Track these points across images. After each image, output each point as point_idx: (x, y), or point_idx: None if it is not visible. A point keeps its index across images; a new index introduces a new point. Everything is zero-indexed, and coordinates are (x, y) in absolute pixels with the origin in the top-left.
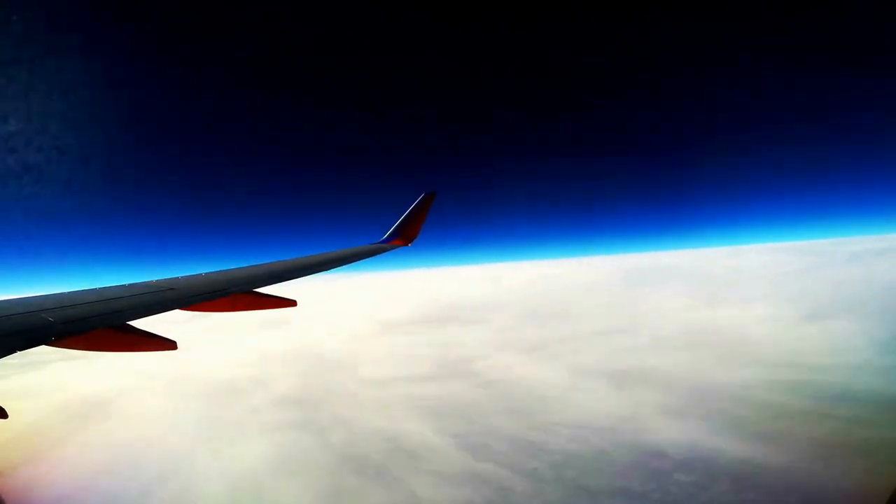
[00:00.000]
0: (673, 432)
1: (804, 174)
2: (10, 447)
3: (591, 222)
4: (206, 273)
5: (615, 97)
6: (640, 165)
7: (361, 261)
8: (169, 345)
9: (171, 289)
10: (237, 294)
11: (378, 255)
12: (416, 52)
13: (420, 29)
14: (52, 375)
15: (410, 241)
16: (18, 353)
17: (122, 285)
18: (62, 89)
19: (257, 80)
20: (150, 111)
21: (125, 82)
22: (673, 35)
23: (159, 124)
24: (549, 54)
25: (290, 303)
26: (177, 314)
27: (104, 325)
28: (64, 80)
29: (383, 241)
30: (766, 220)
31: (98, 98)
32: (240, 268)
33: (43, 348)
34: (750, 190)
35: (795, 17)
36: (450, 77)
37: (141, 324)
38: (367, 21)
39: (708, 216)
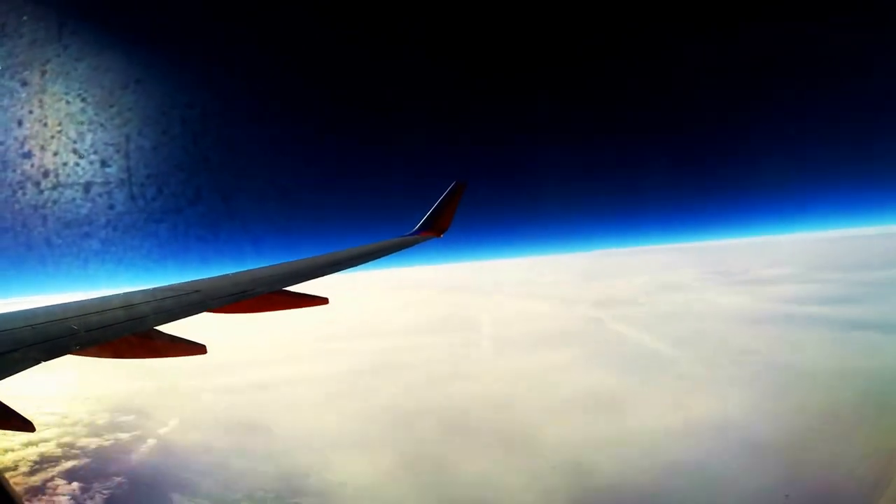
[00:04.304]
0: None
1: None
2: None
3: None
4: (231, 273)
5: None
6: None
7: (392, 255)
8: (198, 349)
9: (197, 291)
10: (265, 294)
11: (409, 249)
12: (439, 43)
13: (444, 21)
14: None
15: (442, 232)
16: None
17: (146, 290)
18: (79, 90)
19: (280, 72)
20: (170, 109)
21: (141, 82)
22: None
23: (181, 123)
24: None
25: (322, 301)
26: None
27: (130, 332)
28: (84, 80)
29: (413, 233)
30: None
31: (114, 99)
32: (265, 267)
33: None
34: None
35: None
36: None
37: (168, 328)
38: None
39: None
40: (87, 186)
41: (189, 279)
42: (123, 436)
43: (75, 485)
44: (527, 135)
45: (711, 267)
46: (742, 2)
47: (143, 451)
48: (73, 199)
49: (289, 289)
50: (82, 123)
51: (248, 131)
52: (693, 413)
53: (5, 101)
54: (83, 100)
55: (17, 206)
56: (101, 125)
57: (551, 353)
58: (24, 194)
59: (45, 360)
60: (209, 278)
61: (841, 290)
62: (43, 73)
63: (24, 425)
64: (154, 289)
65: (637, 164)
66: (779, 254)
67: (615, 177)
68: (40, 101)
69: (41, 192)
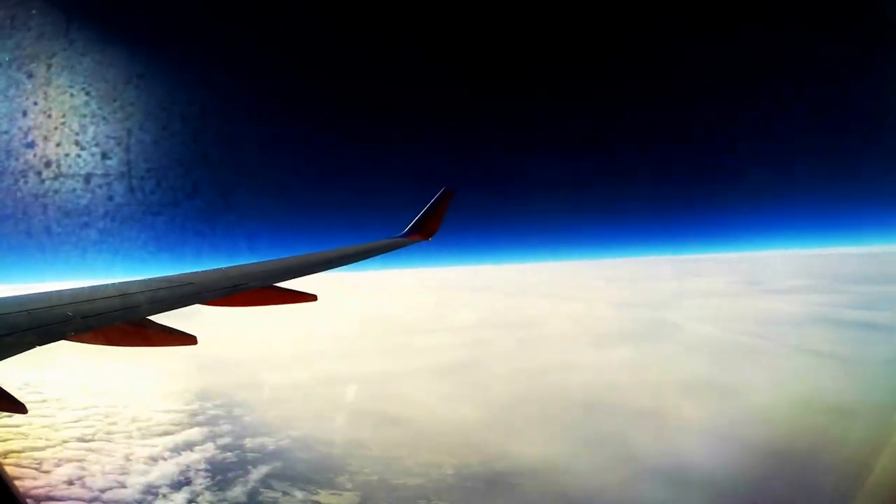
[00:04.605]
0: None
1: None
2: None
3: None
4: (224, 268)
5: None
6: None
7: (380, 255)
8: (189, 340)
9: (190, 283)
10: (256, 288)
11: (397, 250)
12: (432, 46)
13: (442, 22)
14: None
15: (430, 235)
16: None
17: (140, 280)
18: (83, 84)
19: (278, 70)
20: (170, 106)
21: (144, 77)
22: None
23: (181, 120)
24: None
25: (311, 297)
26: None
27: (123, 321)
28: (88, 74)
29: (402, 236)
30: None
31: (117, 93)
32: (257, 262)
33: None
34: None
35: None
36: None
37: (160, 318)
38: (389, 14)
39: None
40: (88, 178)
41: (183, 272)
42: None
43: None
44: (528, 137)
45: (727, 277)
46: (741, 3)
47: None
48: (74, 190)
49: (279, 285)
50: (85, 116)
51: (245, 129)
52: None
53: (11, 93)
54: (87, 93)
55: (18, 195)
56: (104, 119)
57: (639, 347)
58: (26, 183)
59: (39, 345)
60: (202, 271)
61: (872, 300)
62: (48, 66)
63: (17, 407)
64: (148, 279)
65: (631, 173)
66: (782, 268)
67: (604, 185)
68: (45, 93)
69: (42, 181)
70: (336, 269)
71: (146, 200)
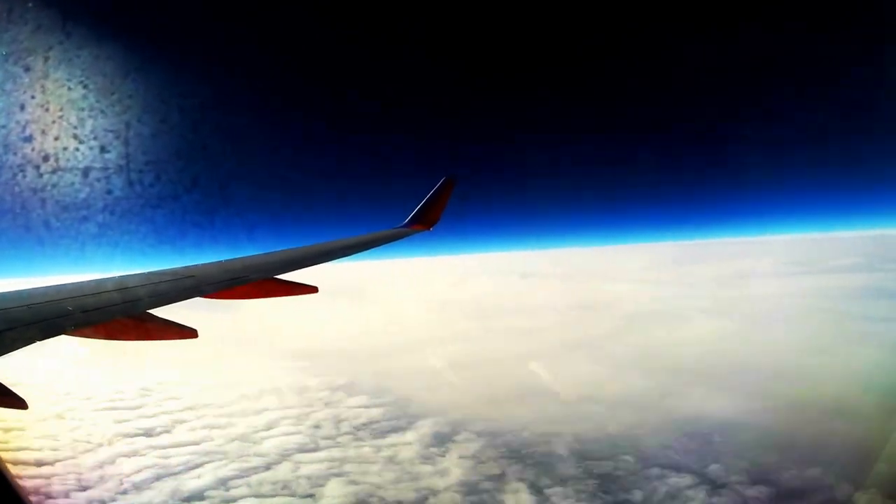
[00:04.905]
0: None
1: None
2: None
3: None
4: (224, 260)
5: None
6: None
7: (382, 246)
8: (189, 333)
9: (191, 276)
10: (257, 281)
11: (398, 241)
12: (433, 37)
13: (446, 12)
14: None
15: (432, 225)
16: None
17: (141, 273)
18: (80, 77)
19: (276, 63)
20: (169, 98)
21: (142, 70)
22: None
23: (179, 112)
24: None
25: (312, 289)
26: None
27: (124, 315)
28: (86, 67)
29: (404, 226)
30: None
31: (115, 86)
32: (257, 254)
33: None
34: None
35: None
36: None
37: (161, 311)
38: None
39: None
40: (87, 171)
41: (183, 265)
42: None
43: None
44: (529, 132)
45: (764, 260)
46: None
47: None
48: (73, 184)
49: (280, 277)
50: (83, 110)
51: (244, 121)
52: None
53: (8, 86)
54: (85, 87)
55: (17, 189)
56: (102, 112)
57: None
58: (25, 177)
59: (40, 340)
60: (203, 264)
61: None
62: (46, 59)
63: (18, 403)
64: (149, 273)
65: (636, 161)
66: (819, 251)
67: (611, 174)
68: (42, 86)
69: (41, 175)
70: (338, 259)
71: (146, 193)
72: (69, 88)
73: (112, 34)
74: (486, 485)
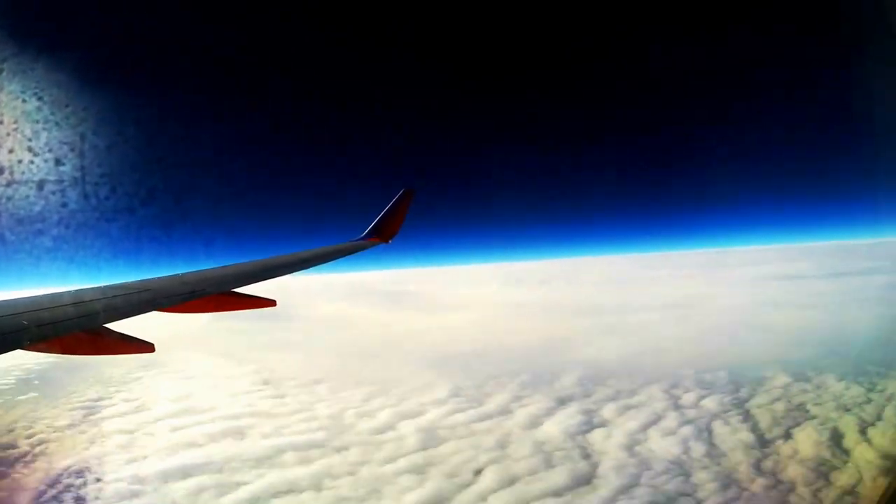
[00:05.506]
0: None
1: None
2: None
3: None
4: (181, 273)
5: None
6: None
7: (339, 259)
8: (146, 347)
9: (147, 290)
10: (215, 294)
11: (355, 254)
12: (399, 44)
13: (410, 24)
14: None
15: (390, 238)
16: None
17: (97, 287)
18: (35, 89)
19: (235, 70)
20: (125, 110)
21: (98, 81)
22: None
23: (133, 125)
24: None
25: (270, 303)
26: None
27: (80, 329)
28: (40, 79)
29: (361, 239)
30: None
31: (69, 98)
32: (215, 268)
33: None
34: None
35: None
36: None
37: (118, 325)
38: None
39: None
40: (42, 184)
41: (140, 278)
42: None
43: None
44: (510, 134)
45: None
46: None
47: None
48: (27, 196)
49: (237, 290)
50: (38, 122)
51: (201, 132)
52: None
53: None
54: (39, 98)
55: None
56: (57, 124)
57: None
58: None
59: None
60: (159, 277)
61: None
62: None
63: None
64: (105, 286)
65: (634, 167)
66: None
67: (610, 180)
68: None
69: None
70: (296, 272)
71: (101, 206)
72: (23, 101)
73: (67, 46)
74: None
